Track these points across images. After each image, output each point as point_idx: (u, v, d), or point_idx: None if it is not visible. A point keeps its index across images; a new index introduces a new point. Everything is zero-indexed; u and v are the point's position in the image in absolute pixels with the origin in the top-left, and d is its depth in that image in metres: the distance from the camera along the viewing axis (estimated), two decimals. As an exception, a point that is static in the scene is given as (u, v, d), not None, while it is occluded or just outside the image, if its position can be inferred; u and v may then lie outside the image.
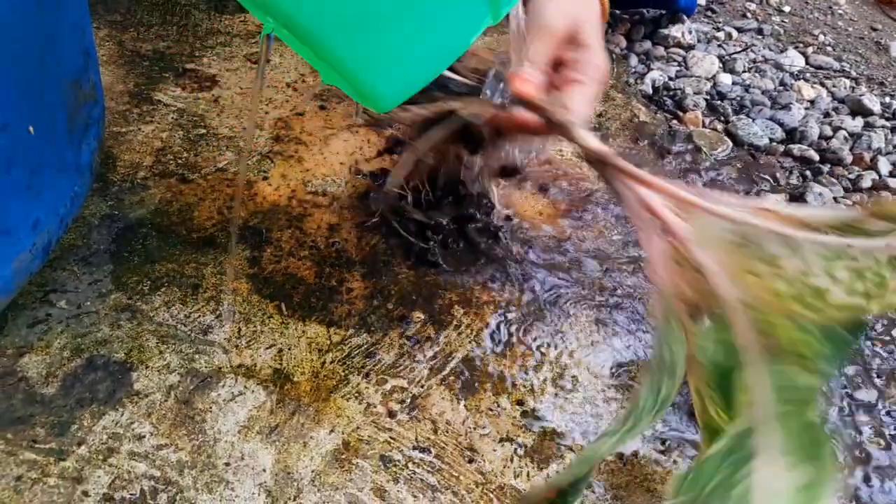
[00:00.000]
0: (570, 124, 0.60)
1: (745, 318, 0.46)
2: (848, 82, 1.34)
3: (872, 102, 1.24)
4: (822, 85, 1.33)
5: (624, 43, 1.33)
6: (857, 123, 1.22)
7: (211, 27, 1.10)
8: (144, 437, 0.64)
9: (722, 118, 1.19)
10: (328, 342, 0.74)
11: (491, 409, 0.72)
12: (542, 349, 0.78)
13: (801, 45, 1.43)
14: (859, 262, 0.46)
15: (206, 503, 0.60)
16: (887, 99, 1.28)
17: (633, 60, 1.30)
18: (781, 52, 1.40)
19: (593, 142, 0.59)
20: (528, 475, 0.68)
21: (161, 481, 0.61)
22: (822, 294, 0.45)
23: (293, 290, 0.79)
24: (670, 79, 1.28)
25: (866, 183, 1.10)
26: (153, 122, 0.93)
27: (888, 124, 1.22)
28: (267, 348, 0.73)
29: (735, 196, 0.59)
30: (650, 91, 1.23)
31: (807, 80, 1.33)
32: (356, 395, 0.71)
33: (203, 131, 0.94)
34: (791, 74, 1.34)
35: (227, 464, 0.63)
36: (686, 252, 0.50)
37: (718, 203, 0.52)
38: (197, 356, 0.71)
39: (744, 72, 1.33)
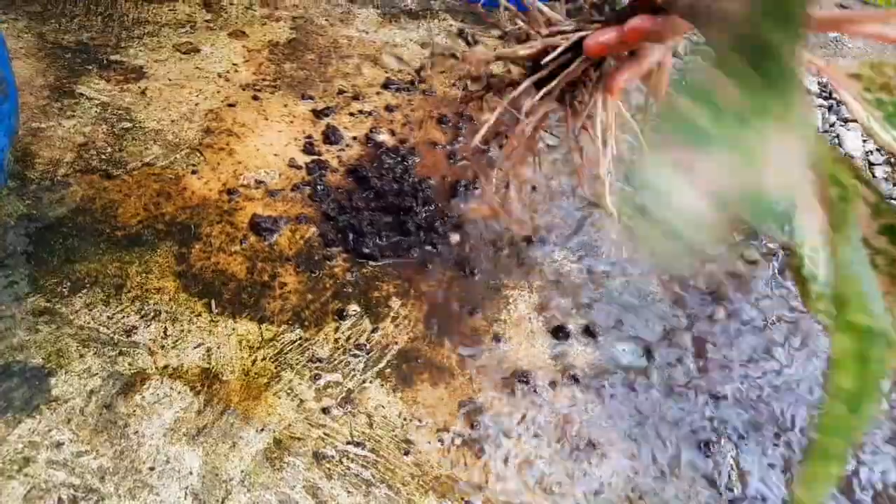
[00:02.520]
0: None
1: None
2: (786, 63, 1.35)
3: (810, 82, 1.26)
4: (761, 66, 1.34)
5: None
6: (794, 103, 1.24)
7: (138, 17, 1.06)
8: (63, 444, 0.62)
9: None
10: (259, 339, 0.73)
11: (427, 400, 0.71)
12: (481, 337, 0.77)
13: (741, 26, 1.45)
14: None
15: (128, 510, 0.58)
16: (824, 78, 1.30)
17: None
18: (722, 34, 1.41)
19: None
20: (465, 464, 0.67)
21: (81, 489, 0.59)
22: None
23: (223, 286, 0.76)
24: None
25: (802, 162, 1.11)
26: (75, 117, 0.90)
27: (825, 103, 1.24)
28: (195, 347, 0.70)
29: None
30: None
31: (746, 62, 1.35)
32: (288, 391, 0.69)
33: (129, 125, 0.90)
34: (731, 56, 1.35)
35: (152, 468, 0.61)
36: None
37: None
38: (120, 358, 0.68)
39: (685, 54, 1.34)
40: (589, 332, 0.79)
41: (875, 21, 0.53)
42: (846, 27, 0.53)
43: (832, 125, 1.19)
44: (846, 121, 1.20)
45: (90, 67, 0.97)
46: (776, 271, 0.89)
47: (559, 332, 0.79)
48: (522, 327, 0.79)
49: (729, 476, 0.69)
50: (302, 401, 0.69)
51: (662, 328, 0.81)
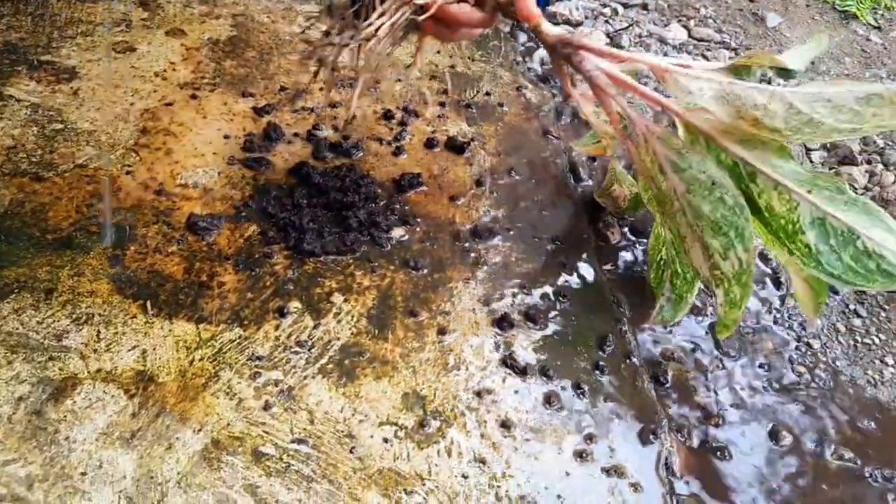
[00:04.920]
0: (532, 12, 0.64)
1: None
2: (728, 53, 1.38)
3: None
4: (704, 56, 1.37)
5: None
6: (734, 92, 1.26)
7: (71, 16, 1.04)
8: (-11, 454, 0.60)
9: (607, 92, 1.21)
10: (197, 339, 0.71)
11: (371, 395, 0.71)
12: (425, 330, 0.77)
13: (683, 18, 1.47)
14: (833, 102, 0.56)
15: (58, 518, 0.57)
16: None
17: (522, 38, 1.30)
18: (665, 26, 1.44)
19: (553, 28, 0.65)
20: (408, 456, 0.67)
21: (8, 499, 0.57)
22: (815, 124, 0.56)
23: (159, 287, 0.75)
24: (558, 55, 1.29)
25: (742, 148, 1.14)
26: (3, 119, 0.87)
27: (763, 92, 1.27)
28: (129, 350, 0.69)
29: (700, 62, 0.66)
30: (538, 68, 1.24)
31: (689, 53, 1.37)
32: (227, 391, 0.68)
33: (60, 126, 0.88)
34: (674, 47, 1.37)
35: (84, 473, 0.60)
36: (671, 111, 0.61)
37: (690, 68, 0.61)
38: (50, 364, 0.67)
39: (630, 46, 1.36)
40: (531, 318, 0.80)
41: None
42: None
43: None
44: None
45: (19, 69, 0.94)
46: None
47: (503, 322, 0.79)
48: (466, 319, 0.79)
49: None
50: (241, 400, 0.68)
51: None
